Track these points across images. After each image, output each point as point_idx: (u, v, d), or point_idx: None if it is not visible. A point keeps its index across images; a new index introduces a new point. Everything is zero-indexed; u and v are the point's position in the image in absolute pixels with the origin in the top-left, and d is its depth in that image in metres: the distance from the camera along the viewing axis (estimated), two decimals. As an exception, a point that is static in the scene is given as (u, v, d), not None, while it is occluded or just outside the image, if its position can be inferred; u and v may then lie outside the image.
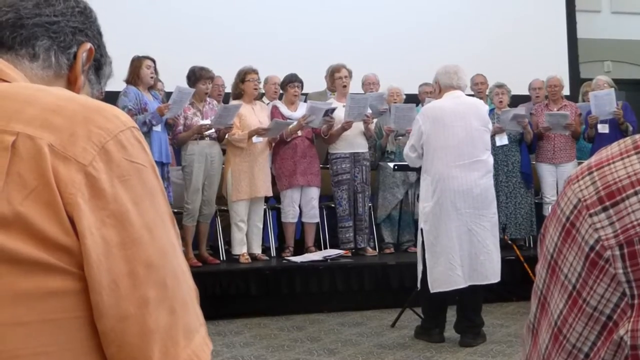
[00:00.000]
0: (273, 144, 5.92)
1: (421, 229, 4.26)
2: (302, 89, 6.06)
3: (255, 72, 5.76)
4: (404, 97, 6.47)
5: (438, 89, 4.34)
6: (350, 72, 6.22)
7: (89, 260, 0.71)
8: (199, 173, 5.58)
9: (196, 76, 5.61)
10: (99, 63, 0.92)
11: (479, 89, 6.57)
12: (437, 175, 4.14)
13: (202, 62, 5.73)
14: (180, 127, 5.61)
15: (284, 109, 5.97)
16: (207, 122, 5.52)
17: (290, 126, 5.89)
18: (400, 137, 6.19)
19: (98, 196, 0.72)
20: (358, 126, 6.03)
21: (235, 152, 5.73)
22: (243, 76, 5.74)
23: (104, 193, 0.72)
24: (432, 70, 4.53)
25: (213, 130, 5.58)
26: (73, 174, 0.72)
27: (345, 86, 6.15)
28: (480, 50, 7.75)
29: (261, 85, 6.05)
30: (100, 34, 0.92)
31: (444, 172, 4.12)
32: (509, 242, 5.85)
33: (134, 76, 5.29)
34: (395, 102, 6.26)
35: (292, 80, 6.00)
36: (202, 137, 5.61)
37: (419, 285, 4.37)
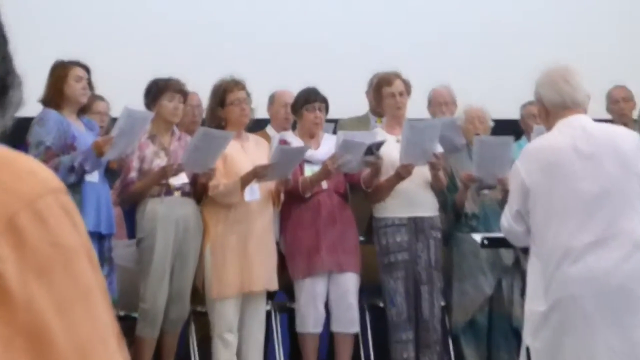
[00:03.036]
0: (280, 201, 5.93)
1: (527, 348, 4.22)
2: (327, 111, 6.17)
3: (239, 86, 5.90)
4: (492, 124, 6.51)
5: (544, 113, 4.35)
6: (408, 85, 6.28)
7: None
8: (165, 250, 5.62)
9: (159, 88, 5.73)
10: (2, 84, 0.96)
11: (620, 109, 6.53)
12: (553, 259, 4.07)
13: (173, 74, 5.94)
14: (134, 174, 5.65)
15: (297, 144, 6.05)
16: (177, 162, 5.60)
17: (312, 174, 5.95)
18: (487, 191, 6.24)
19: (1, 302, 0.76)
20: (421, 173, 6.06)
21: (217, 216, 5.79)
22: (222, 95, 5.86)
23: (11, 297, 0.76)
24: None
25: (185, 177, 5.64)
26: None
27: (400, 108, 6.20)
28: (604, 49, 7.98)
29: (255, 108, 6.14)
30: (4, 39, 0.96)
31: (565, 253, 4.07)
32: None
33: (55, 93, 5.40)
34: (478, 134, 6.30)
35: (310, 99, 6.09)
36: (169, 190, 5.64)
37: None
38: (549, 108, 4.25)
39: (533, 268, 4.21)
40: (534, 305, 4.17)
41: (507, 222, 4.30)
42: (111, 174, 5.55)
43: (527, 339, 4.22)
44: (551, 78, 4.24)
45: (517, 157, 4.48)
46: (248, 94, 5.93)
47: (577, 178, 4.10)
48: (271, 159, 5.74)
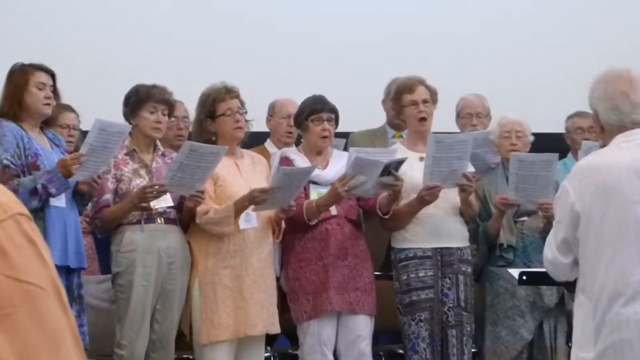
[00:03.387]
0: (281, 231, 5.94)
1: None
2: (337, 124, 6.20)
3: (232, 93, 5.94)
4: (532, 138, 6.52)
5: (599, 128, 4.35)
6: (434, 93, 6.30)
7: None
8: (146, 288, 5.62)
9: (139, 97, 5.76)
10: None
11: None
12: (604, 297, 4.06)
13: (155, 79, 6.00)
14: (109, 197, 5.69)
15: (302, 163, 6.08)
16: (160, 182, 5.62)
17: (318, 196, 5.94)
18: (526, 219, 6.27)
19: None
20: (449, 197, 6.09)
21: (207, 247, 5.81)
22: (211, 105, 5.89)
23: None
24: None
25: (170, 200, 5.65)
26: None
27: (424, 119, 6.22)
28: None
29: (252, 120, 6.17)
30: None
31: (619, 291, 4.05)
32: None
33: (13, 103, 5.42)
34: (515, 149, 6.31)
35: (316, 110, 6.12)
36: (151, 216, 5.66)
37: None
38: (605, 126, 4.24)
39: (581, 308, 4.16)
40: (582, 352, 4.12)
41: (552, 253, 4.27)
42: (81, 197, 5.52)
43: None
44: (608, 91, 4.20)
45: (563, 178, 4.49)
46: (242, 103, 5.95)
47: (635, 202, 4.07)
48: (271, 182, 5.74)
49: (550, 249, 4.28)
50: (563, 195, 4.26)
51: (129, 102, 5.77)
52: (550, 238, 4.32)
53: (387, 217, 6.00)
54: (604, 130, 4.26)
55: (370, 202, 6.06)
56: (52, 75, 5.49)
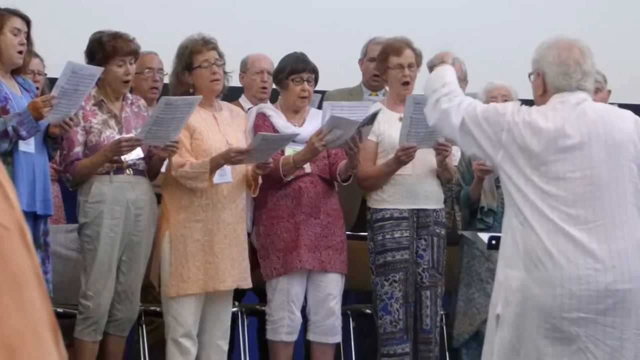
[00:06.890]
0: (258, 186, 5.95)
1: (497, 316, 4.34)
2: (316, 82, 6.20)
3: (209, 45, 5.91)
4: (519, 104, 6.49)
5: (541, 87, 4.42)
6: (419, 56, 6.24)
7: None
8: (113, 239, 5.63)
9: (105, 50, 5.66)
10: None
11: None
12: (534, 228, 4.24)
13: (124, 29, 5.93)
14: (79, 149, 5.66)
15: (279, 120, 6.11)
16: (132, 135, 5.60)
17: (294, 152, 5.95)
18: None
19: None
20: (426, 158, 6.11)
21: (179, 201, 5.81)
22: (188, 57, 5.86)
23: None
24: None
25: (140, 151, 5.65)
26: None
27: (407, 83, 6.21)
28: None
29: (231, 73, 6.17)
30: None
31: (540, 247, 4.22)
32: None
33: None
34: None
35: (298, 69, 6.12)
36: (120, 167, 5.64)
37: None
38: (550, 89, 4.35)
39: (515, 231, 4.31)
40: (510, 270, 4.30)
41: (457, 119, 4.35)
42: (52, 141, 5.49)
43: (498, 307, 4.33)
44: (562, 57, 4.31)
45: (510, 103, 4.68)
46: (220, 54, 5.90)
47: (557, 161, 4.23)
48: (250, 144, 5.74)
49: (457, 115, 4.37)
50: (504, 111, 4.37)
51: (93, 56, 5.69)
52: (462, 102, 4.42)
53: (346, 184, 6.05)
54: (545, 93, 4.36)
55: (333, 169, 6.08)
56: (28, 22, 5.45)
